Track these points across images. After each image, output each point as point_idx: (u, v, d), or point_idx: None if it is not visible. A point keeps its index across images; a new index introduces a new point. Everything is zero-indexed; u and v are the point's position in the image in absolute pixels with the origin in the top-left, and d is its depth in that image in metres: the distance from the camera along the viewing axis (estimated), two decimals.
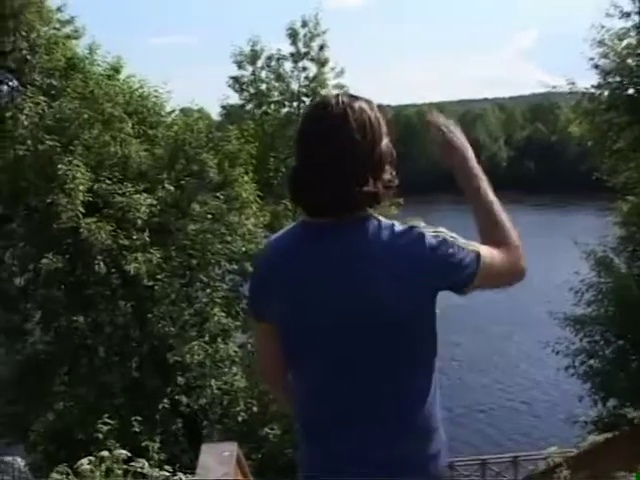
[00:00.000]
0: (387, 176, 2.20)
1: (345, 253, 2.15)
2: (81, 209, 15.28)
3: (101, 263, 15.51)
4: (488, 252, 2.26)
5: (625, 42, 18.64)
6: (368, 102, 2.23)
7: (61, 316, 16.15)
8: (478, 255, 2.21)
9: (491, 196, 2.50)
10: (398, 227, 2.18)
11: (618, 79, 18.79)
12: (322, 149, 2.13)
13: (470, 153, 2.58)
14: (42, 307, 16.83)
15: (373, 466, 2.14)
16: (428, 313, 2.21)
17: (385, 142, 2.22)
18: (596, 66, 18.78)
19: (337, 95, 2.24)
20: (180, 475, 6.36)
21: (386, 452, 2.16)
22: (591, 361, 18.42)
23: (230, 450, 3.65)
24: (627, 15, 18.34)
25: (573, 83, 19.60)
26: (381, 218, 2.21)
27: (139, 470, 5.97)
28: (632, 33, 18.53)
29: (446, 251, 2.16)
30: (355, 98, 2.22)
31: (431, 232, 2.18)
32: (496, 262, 2.28)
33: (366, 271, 2.13)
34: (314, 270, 2.18)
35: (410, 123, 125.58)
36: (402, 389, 2.19)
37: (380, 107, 2.28)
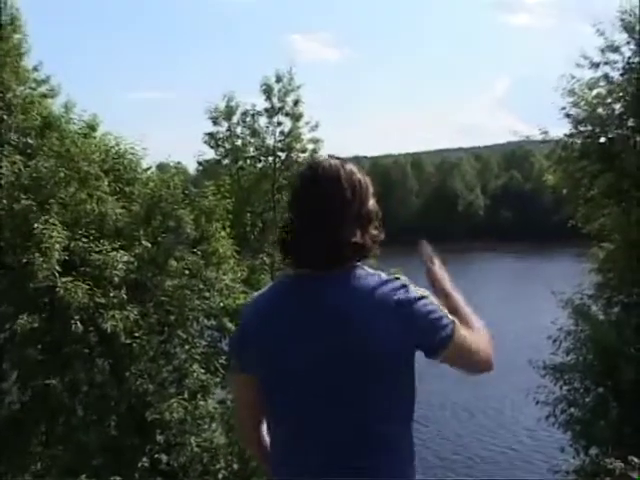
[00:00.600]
0: (374, 231, 2.36)
1: (329, 298, 2.26)
2: (57, 268, 15.21)
3: (78, 322, 15.38)
4: (463, 326, 2.38)
5: (595, 92, 18.94)
6: (357, 166, 2.39)
7: (38, 376, 15.98)
8: (454, 322, 2.31)
9: (466, 309, 2.60)
10: (383, 276, 2.31)
11: (590, 128, 19.06)
12: (316, 207, 2.29)
13: (446, 279, 2.70)
14: (18, 367, 16.66)
15: None
16: (406, 364, 2.28)
17: (372, 201, 2.39)
18: (568, 115, 19.05)
19: (329, 158, 2.40)
20: None
21: None
22: (571, 409, 18.40)
23: None
24: (596, 66, 18.66)
25: (546, 132, 19.86)
26: (367, 268, 2.33)
27: None
28: (601, 83, 18.84)
29: (427, 306, 2.27)
30: (345, 161, 2.39)
31: (415, 288, 2.31)
32: (470, 338, 2.36)
33: (348, 314, 2.23)
34: (297, 317, 2.29)
35: (386, 175, 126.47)
36: (379, 441, 2.24)
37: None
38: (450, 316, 2.32)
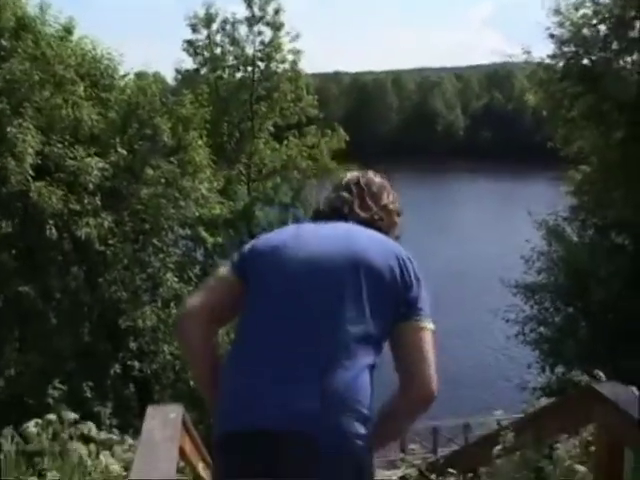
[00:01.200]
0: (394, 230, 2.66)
1: (343, 229, 2.46)
2: (31, 172, 15.05)
3: (52, 228, 15.30)
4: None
5: (581, 12, 18.77)
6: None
7: (11, 282, 15.95)
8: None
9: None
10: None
11: (573, 49, 18.93)
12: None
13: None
14: None
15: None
16: (394, 302, 2.32)
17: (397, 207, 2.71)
18: (552, 35, 18.90)
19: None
20: (129, 439, 6.33)
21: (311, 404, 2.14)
22: (541, 328, 18.70)
23: (176, 412, 3.60)
24: None
25: (529, 52, 19.75)
26: None
27: (85, 433, 5.93)
28: (588, 3, 18.65)
29: (421, 286, 2.39)
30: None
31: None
32: (431, 345, 2.37)
33: (361, 242, 2.39)
34: (308, 230, 2.47)
35: (366, 92, 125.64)
36: (350, 354, 2.21)
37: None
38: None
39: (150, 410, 3.90)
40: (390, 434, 2.43)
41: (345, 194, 2.59)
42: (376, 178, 2.71)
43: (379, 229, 2.53)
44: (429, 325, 2.34)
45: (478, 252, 48.78)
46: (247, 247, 2.47)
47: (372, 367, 2.24)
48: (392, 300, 2.31)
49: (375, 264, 2.30)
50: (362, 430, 2.14)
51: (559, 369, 18.20)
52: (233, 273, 2.42)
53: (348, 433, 2.12)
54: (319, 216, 2.59)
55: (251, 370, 2.21)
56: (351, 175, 2.72)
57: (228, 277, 2.42)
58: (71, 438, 5.94)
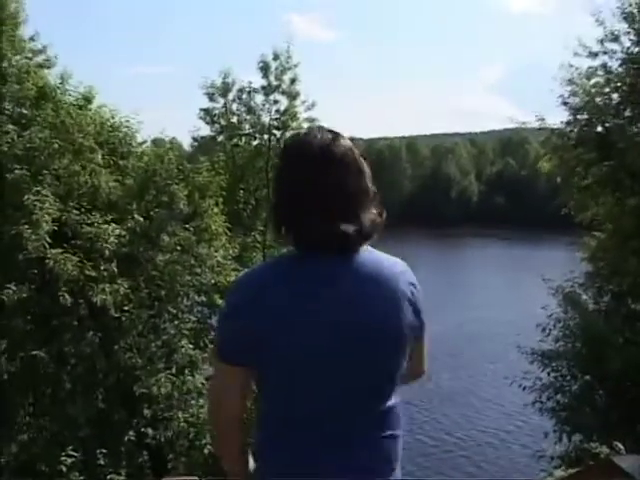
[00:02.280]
0: (372, 215, 2.28)
1: (342, 278, 2.20)
2: (48, 239, 15.17)
3: (66, 294, 15.36)
4: None
5: (593, 81, 18.95)
6: (350, 140, 2.28)
7: (26, 346, 15.98)
8: None
9: None
10: (390, 258, 2.32)
11: (586, 116, 19.06)
12: (310, 187, 2.19)
13: None
14: (6, 337, 16.65)
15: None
16: (408, 342, 2.30)
17: (369, 178, 2.30)
18: (565, 103, 19.06)
19: (319, 130, 2.28)
20: None
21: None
22: (558, 396, 18.49)
23: None
24: (595, 55, 18.65)
25: (542, 119, 19.86)
26: (370, 248, 2.29)
27: None
28: (600, 72, 18.83)
29: (420, 296, 2.35)
30: (337, 134, 2.27)
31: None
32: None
33: (364, 295, 2.20)
34: (310, 291, 2.19)
35: (381, 157, 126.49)
36: (385, 410, 2.27)
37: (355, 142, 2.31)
38: None
39: None
40: None
41: (330, 228, 2.20)
42: (348, 146, 2.28)
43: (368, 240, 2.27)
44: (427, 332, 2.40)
45: (492, 317, 48.53)
46: (234, 329, 2.24)
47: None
48: (409, 343, 2.30)
49: (395, 327, 2.22)
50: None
51: (576, 437, 17.96)
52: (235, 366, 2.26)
53: None
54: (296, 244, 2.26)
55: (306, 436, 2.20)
56: (320, 146, 2.25)
57: (235, 369, 2.26)
58: None
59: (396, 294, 2.22)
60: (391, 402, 2.26)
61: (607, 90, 18.94)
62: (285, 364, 2.18)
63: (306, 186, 2.20)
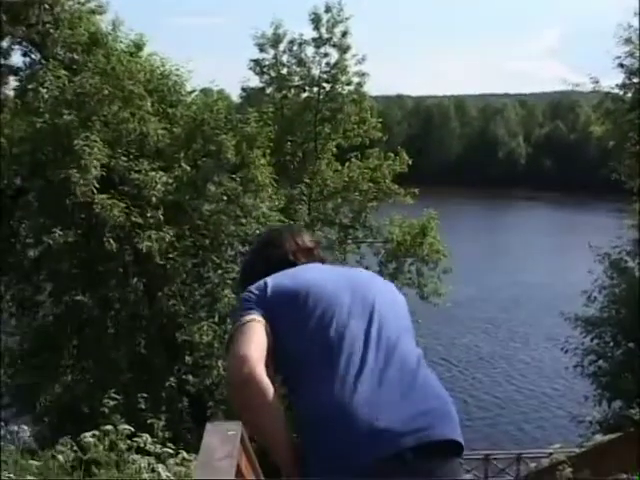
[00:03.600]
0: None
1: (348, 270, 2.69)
2: (96, 184, 15.28)
3: (111, 240, 15.48)
4: None
5: None
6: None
7: (71, 290, 16.19)
8: None
9: None
10: None
11: None
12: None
13: None
14: (53, 280, 16.88)
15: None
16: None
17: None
18: (621, 65, 18.68)
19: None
20: (183, 453, 6.37)
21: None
22: (600, 361, 18.40)
23: (234, 429, 3.59)
24: None
25: (597, 82, 19.53)
26: None
27: (141, 446, 5.98)
28: None
29: None
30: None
31: None
32: None
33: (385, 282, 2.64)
34: (336, 272, 2.59)
35: (429, 116, 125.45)
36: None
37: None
38: None
39: (209, 426, 3.91)
40: None
41: (302, 242, 2.74)
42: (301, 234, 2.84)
43: None
44: None
45: (538, 281, 48.24)
46: (271, 290, 2.39)
47: None
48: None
49: (392, 292, 2.55)
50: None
51: (616, 404, 17.89)
52: (264, 319, 2.30)
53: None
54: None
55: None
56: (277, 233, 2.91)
57: (263, 323, 2.29)
58: (128, 449, 6.00)
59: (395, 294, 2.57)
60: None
61: None
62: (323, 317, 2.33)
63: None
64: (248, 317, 2.28)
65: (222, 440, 3.56)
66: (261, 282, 2.42)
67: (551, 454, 15.73)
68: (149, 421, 14.72)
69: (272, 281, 2.41)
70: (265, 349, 2.21)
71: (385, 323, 2.29)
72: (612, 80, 19.45)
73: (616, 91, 19.53)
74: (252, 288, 2.41)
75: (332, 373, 2.15)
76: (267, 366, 2.18)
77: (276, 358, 2.25)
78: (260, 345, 2.21)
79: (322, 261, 2.73)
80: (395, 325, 2.32)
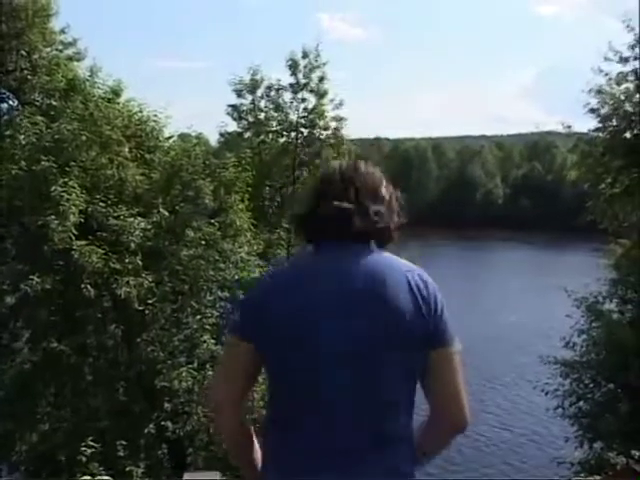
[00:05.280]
0: (397, 219, 2.52)
1: (360, 277, 2.32)
2: (73, 231, 15.22)
3: (89, 286, 15.41)
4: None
5: (623, 87, 18.82)
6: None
7: (49, 337, 16.06)
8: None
9: None
10: (406, 262, 2.45)
11: (615, 123, 18.94)
12: (355, 190, 2.42)
13: None
14: (30, 327, 16.75)
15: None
16: (426, 344, 2.35)
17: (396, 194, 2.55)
18: (593, 110, 18.93)
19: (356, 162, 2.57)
20: None
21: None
22: (580, 403, 18.41)
23: (213, 479, 3.61)
24: (625, 60, 18.51)
25: (569, 127, 19.80)
26: (386, 252, 2.45)
27: None
28: (630, 78, 18.69)
29: (444, 304, 2.40)
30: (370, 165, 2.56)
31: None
32: (460, 367, 2.43)
33: (382, 294, 2.29)
34: (329, 293, 2.31)
35: (407, 158, 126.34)
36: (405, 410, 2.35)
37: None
38: None
39: (187, 476, 3.91)
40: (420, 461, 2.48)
41: (346, 205, 2.38)
42: (370, 169, 2.55)
43: (381, 238, 2.45)
44: (457, 347, 2.39)
45: (512, 321, 48.29)
46: (252, 305, 2.40)
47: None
48: (422, 339, 2.31)
49: (405, 316, 2.29)
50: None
51: (597, 445, 17.88)
52: (244, 340, 2.37)
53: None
54: (314, 236, 2.45)
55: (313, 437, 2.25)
56: (344, 167, 2.54)
57: (244, 346, 2.37)
58: None
59: (411, 300, 2.31)
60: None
61: (637, 96, 18.80)
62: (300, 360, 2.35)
63: (349, 189, 2.46)
64: (230, 339, 2.43)
65: None
66: (255, 293, 2.45)
67: None
68: (128, 468, 14.65)
69: (262, 297, 2.38)
70: (238, 378, 2.38)
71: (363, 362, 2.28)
72: (585, 124, 19.71)
73: (590, 134, 19.77)
74: (245, 300, 2.51)
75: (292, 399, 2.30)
76: (243, 398, 2.42)
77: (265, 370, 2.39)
78: (231, 379, 2.38)
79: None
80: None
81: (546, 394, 18.73)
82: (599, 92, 18.70)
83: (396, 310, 2.27)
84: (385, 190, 2.49)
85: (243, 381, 2.39)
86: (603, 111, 18.78)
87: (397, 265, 2.38)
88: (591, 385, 18.38)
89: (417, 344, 2.31)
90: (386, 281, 2.30)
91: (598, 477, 16.32)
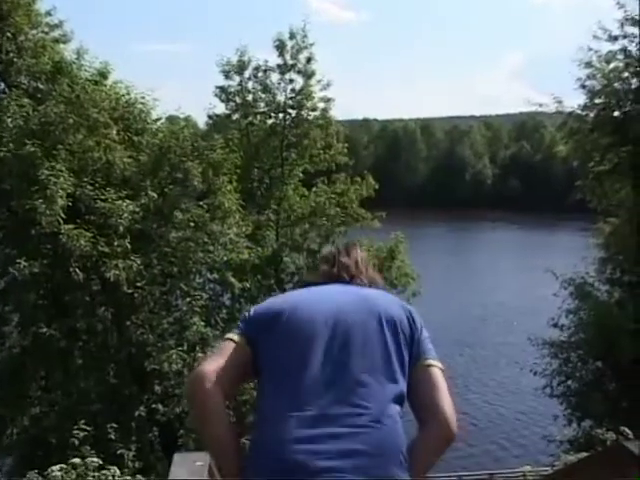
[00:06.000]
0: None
1: (357, 290, 2.66)
2: (62, 214, 15.15)
3: (78, 270, 15.38)
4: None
5: (612, 65, 18.82)
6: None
7: (38, 321, 16.02)
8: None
9: None
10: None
11: (604, 100, 18.95)
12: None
13: None
14: (20, 311, 16.71)
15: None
16: (409, 346, 2.47)
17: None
18: (583, 86, 18.95)
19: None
20: None
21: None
22: (569, 382, 18.50)
23: (202, 460, 3.60)
24: (614, 39, 18.50)
25: (560, 102, 19.76)
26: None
27: (110, 478, 5.93)
28: (619, 56, 18.70)
29: (423, 329, 2.55)
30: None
31: None
32: (445, 384, 2.47)
33: (375, 298, 2.58)
34: (325, 291, 2.63)
35: (396, 138, 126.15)
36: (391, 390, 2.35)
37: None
38: None
39: (177, 458, 3.90)
40: (416, 475, 2.46)
41: (346, 259, 2.80)
42: (353, 249, 2.90)
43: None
44: (439, 364, 2.47)
45: (502, 301, 48.48)
46: (255, 311, 2.55)
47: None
48: (409, 346, 2.43)
49: (394, 315, 2.47)
50: (405, 476, 2.23)
51: (586, 423, 17.98)
52: (242, 337, 2.46)
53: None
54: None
55: (302, 428, 2.22)
56: (333, 248, 2.94)
57: (238, 341, 2.45)
58: None
59: (395, 301, 2.62)
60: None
61: (626, 74, 18.83)
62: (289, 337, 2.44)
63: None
64: (227, 335, 2.50)
65: (189, 472, 3.55)
66: (261, 304, 2.62)
67: (524, 475, 15.83)
68: (119, 451, 14.66)
69: (266, 302, 2.61)
70: (226, 363, 2.39)
71: (348, 362, 2.33)
72: (574, 101, 19.72)
73: (579, 112, 19.76)
74: (250, 309, 2.60)
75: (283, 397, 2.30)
76: (226, 383, 2.38)
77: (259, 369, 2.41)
78: (220, 360, 2.40)
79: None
80: (360, 364, 2.33)
81: (535, 374, 18.82)
82: (589, 64, 18.70)
83: (390, 311, 2.49)
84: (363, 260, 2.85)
85: (230, 365, 2.39)
86: (591, 83, 18.80)
87: (390, 294, 2.70)
88: (579, 364, 18.48)
89: (407, 343, 2.43)
90: (379, 299, 2.57)
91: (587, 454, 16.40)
